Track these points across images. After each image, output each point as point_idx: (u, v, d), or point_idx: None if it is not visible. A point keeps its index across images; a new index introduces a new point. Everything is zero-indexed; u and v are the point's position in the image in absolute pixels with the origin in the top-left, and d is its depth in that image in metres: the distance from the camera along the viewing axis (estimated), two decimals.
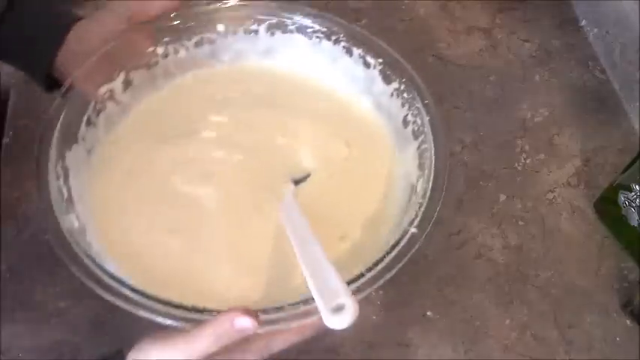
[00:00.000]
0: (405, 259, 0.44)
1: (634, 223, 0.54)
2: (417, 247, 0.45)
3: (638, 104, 0.65)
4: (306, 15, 0.57)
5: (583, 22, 0.74)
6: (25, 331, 0.50)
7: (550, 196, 0.60)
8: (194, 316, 0.41)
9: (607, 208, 0.58)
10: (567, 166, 0.62)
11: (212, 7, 0.57)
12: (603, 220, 0.58)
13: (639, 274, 0.56)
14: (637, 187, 0.53)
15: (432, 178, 0.49)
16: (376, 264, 0.44)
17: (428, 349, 0.51)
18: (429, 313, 0.53)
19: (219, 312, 0.41)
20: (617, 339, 0.53)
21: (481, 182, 0.61)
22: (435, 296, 0.54)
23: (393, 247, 0.45)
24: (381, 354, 0.50)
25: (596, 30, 0.72)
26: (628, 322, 0.54)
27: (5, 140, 0.57)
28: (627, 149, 0.63)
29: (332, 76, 0.59)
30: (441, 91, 0.67)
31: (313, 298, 0.41)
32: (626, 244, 0.57)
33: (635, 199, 0.53)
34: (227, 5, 0.57)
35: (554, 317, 0.54)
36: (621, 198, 0.55)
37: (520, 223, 0.58)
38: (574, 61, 0.70)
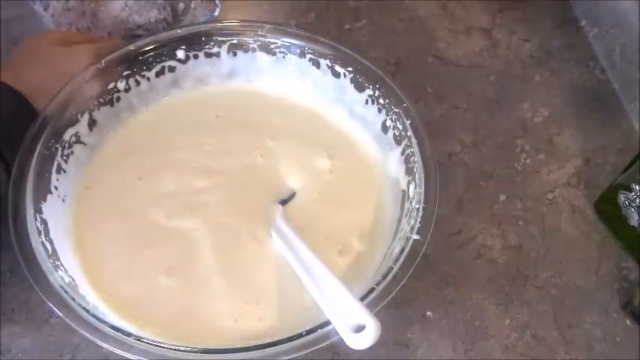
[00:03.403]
0: (413, 267, 0.45)
1: (634, 223, 0.54)
2: (422, 253, 0.45)
3: (638, 104, 0.65)
4: (267, 31, 0.56)
5: (583, 22, 0.74)
6: (25, 331, 0.50)
7: (550, 196, 0.60)
8: (205, 357, 0.41)
9: (607, 208, 0.58)
10: (567, 166, 0.62)
11: (168, 34, 0.55)
12: (603, 220, 0.58)
13: (639, 274, 0.56)
14: (637, 187, 0.53)
15: (423, 181, 0.49)
16: (385, 276, 0.44)
17: (428, 349, 0.51)
18: (429, 313, 0.53)
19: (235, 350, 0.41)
20: (617, 339, 0.53)
21: (481, 182, 0.61)
22: (435, 296, 0.54)
23: (398, 256, 0.45)
24: (380, 354, 0.50)
25: (596, 30, 0.72)
26: (628, 322, 0.54)
27: None
28: (627, 149, 0.63)
29: (302, 90, 0.58)
30: (441, 91, 0.67)
31: (329, 321, 0.41)
32: (626, 244, 0.57)
33: (635, 199, 0.53)
34: (184, 31, 0.56)
35: (554, 317, 0.54)
36: (621, 198, 0.55)
37: (520, 223, 0.58)
38: (574, 61, 0.70)
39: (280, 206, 0.52)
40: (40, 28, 0.62)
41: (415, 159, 0.51)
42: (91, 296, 0.46)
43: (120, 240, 0.50)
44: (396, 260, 0.45)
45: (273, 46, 0.56)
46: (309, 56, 0.56)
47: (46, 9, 0.61)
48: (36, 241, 0.45)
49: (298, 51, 0.56)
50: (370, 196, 0.54)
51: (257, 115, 0.58)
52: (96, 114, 0.53)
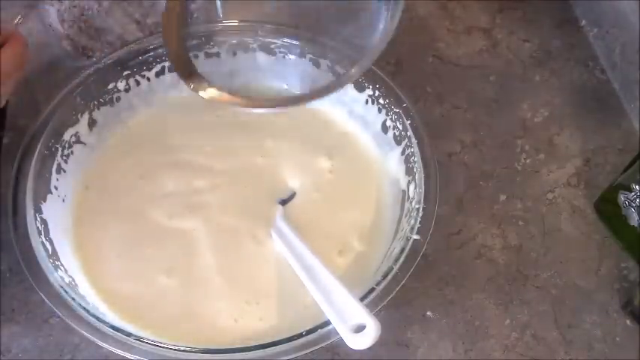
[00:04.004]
0: (413, 267, 0.45)
1: (634, 223, 0.54)
2: (421, 253, 0.45)
3: (638, 104, 0.65)
4: (267, 31, 0.55)
5: (583, 22, 0.73)
6: (25, 331, 0.50)
7: (550, 196, 0.60)
8: (205, 357, 0.41)
9: (607, 208, 0.58)
10: (567, 166, 0.62)
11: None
12: (603, 220, 0.58)
13: (639, 274, 0.56)
14: (637, 187, 0.53)
15: (423, 181, 0.49)
16: (385, 276, 0.44)
17: (428, 349, 0.51)
18: (428, 313, 0.53)
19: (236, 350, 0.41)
20: (617, 339, 0.53)
21: (481, 182, 0.61)
22: (435, 296, 0.54)
23: (398, 256, 0.45)
24: (380, 354, 0.50)
25: (596, 30, 0.72)
26: (628, 322, 0.54)
27: (5, 140, 0.57)
28: (627, 149, 0.63)
29: (302, 90, 0.58)
30: (441, 91, 0.67)
31: (329, 321, 0.41)
32: (626, 244, 0.57)
33: (635, 199, 0.53)
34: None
35: (554, 317, 0.54)
36: (621, 198, 0.55)
37: (520, 223, 0.58)
38: (574, 61, 0.70)
39: (280, 206, 0.52)
40: (41, 28, 0.62)
41: (415, 159, 0.51)
42: (91, 296, 0.46)
43: (120, 240, 0.50)
44: (396, 260, 0.45)
45: (273, 46, 0.56)
46: (309, 56, 0.56)
47: (53, 3, 0.60)
48: (36, 241, 0.45)
49: (298, 51, 0.56)
50: (370, 196, 0.54)
51: (257, 115, 0.58)
52: (96, 114, 0.53)
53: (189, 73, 0.46)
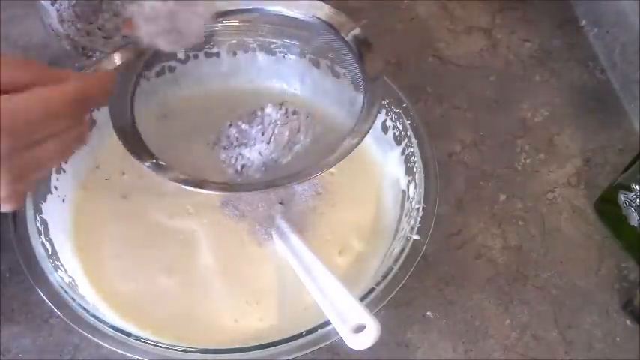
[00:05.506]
0: (413, 267, 0.45)
1: (634, 223, 0.54)
2: (422, 253, 0.45)
3: (638, 104, 0.65)
4: (267, 31, 0.55)
5: (583, 22, 0.73)
6: (25, 331, 0.50)
7: (550, 196, 0.60)
8: (205, 357, 0.41)
9: (607, 208, 0.58)
10: (567, 166, 0.62)
11: None
12: (603, 220, 0.58)
13: (639, 274, 0.56)
14: (637, 187, 0.53)
15: (423, 181, 0.49)
16: (385, 276, 0.44)
17: (428, 349, 0.51)
18: (428, 313, 0.53)
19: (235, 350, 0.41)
20: (617, 339, 0.53)
21: (481, 182, 0.61)
22: (435, 296, 0.54)
23: (398, 256, 0.45)
24: (380, 354, 0.50)
25: (596, 30, 0.72)
26: (628, 322, 0.54)
27: None
28: (627, 149, 0.63)
29: (302, 90, 0.58)
30: (441, 91, 0.67)
31: (329, 321, 0.41)
32: (626, 244, 0.57)
33: (635, 199, 0.53)
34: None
35: (554, 317, 0.54)
36: (621, 198, 0.55)
37: (520, 223, 0.58)
38: (574, 61, 0.70)
39: (280, 206, 0.52)
40: (41, 28, 0.62)
41: (415, 159, 0.51)
42: (91, 296, 0.46)
43: (120, 240, 0.50)
44: (396, 260, 0.45)
45: (273, 46, 0.56)
46: (309, 56, 0.56)
47: (52, 3, 0.60)
48: (36, 241, 0.45)
49: (298, 51, 0.56)
50: (370, 196, 0.54)
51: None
52: (96, 114, 0.53)
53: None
